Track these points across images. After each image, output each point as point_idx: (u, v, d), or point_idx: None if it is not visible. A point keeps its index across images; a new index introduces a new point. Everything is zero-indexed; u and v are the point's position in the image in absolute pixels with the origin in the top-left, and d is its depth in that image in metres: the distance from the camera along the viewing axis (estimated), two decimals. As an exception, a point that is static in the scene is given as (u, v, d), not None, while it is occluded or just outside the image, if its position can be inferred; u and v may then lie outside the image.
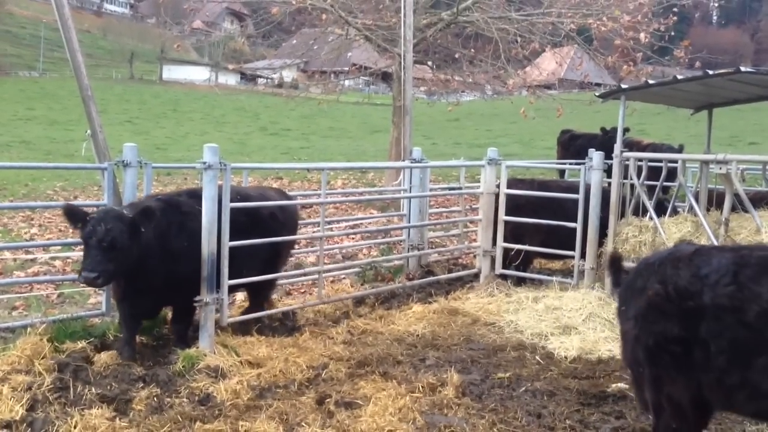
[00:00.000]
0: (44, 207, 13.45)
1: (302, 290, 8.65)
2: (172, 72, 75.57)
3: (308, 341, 6.64)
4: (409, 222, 9.46)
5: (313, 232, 8.64)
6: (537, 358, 6.52)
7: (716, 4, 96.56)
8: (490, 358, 6.49)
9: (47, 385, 5.11)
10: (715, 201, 8.51)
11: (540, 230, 8.72)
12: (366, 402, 5.21)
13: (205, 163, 6.27)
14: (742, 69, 7.29)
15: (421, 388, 5.54)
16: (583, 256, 8.45)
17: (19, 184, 17.48)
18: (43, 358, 5.48)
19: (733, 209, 7.79)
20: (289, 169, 16.70)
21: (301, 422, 4.88)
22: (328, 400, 5.26)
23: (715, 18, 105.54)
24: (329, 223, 9.07)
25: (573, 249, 8.47)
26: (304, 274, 8.45)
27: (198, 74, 75.15)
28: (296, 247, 9.70)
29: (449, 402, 5.33)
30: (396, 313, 7.80)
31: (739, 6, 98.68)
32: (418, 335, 7.04)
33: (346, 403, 5.24)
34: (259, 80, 72.28)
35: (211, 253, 6.14)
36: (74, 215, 5.76)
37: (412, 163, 9.57)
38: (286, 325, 7.29)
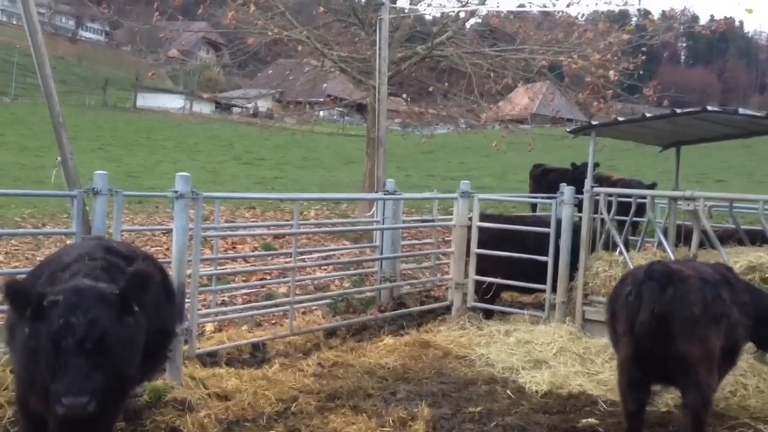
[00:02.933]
0: (10, 235, 13.20)
1: (273, 321, 8.56)
2: (146, 100, 75.26)
3: (278, 373, 6.55)
4: (382, 254, 9.45)
5: (285, 262, 8.58)
6: (508, 392, 6.49)
7: (684, 45, 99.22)
8: (461, 392, 6.45)
9: (8, 417, 4.97)
10: (683, 237, 8.64)
11: (504, 264, 8.75)
12: (336, 436, 5.15)
13: (176, 191, 6.22)
14: (709, 108, 7.46)
15: (391, 422, 5.49)
16: (554, 289, 8.49)
17: (-15, 210, 17.18)
18: (5, 389, 5.33)
19: (701, 245, 7.91)
20: (261, 198, 16.61)
21: (269, 457, 4.79)
22: (297, 434, 5.19)
23: (683, 58, 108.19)
24: (301, 253, 9.02)
25: (541, 283, 8.52)
26: (275, 305, 8.37)
27: (172, 102, 74.91)
28: (268, 277, 9.68)
29: (420, 437, 5.28)
30: (367, 345, 7.75)
31: (707, 47, 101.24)
32: (389, 368, 6.98)
33: (315, 437, 5.17)
34: (234, 109, 72.32)
35: (181, 284, 6.06)
36: (20, 296, 3.66)
37: (385, 194, 9.59)
38: (256, 357, 7.20)
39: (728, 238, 8.63)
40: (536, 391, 6.50)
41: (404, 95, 19.86)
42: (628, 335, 5.07)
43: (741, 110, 7.51)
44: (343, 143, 44.40)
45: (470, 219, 9.08)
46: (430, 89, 18.26)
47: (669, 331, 4.90)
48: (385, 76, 11.24)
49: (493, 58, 15.99)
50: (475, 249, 8.98)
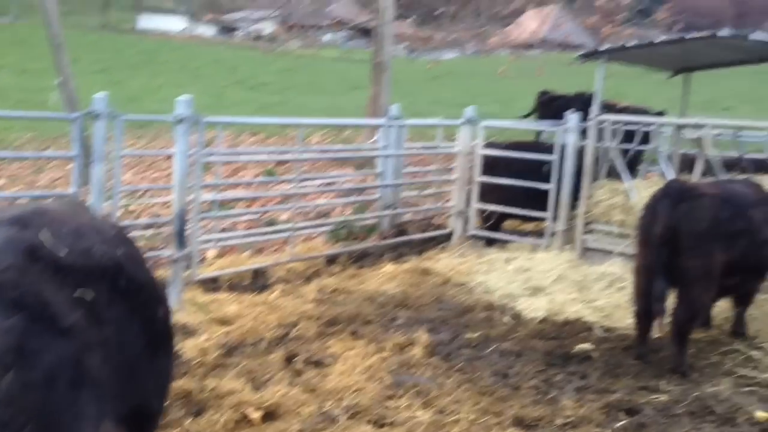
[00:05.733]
0: (11, 158, 13.19)
1: (274, 248, 8.61)
2: (148, 21, 73.84)
3: (279, 299, 6.63)
4: (384, 181, 9.42)
5: (287, 189, 8.56)
6: (506, 318, 6.58)
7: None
8: (459, 319, 6.54)
9: None
10: (689, 165, 8.56)
11: (506, 191, 8.73)
12: (334, 361, 5.24)
13: (177, 116, 6.16)
14: (720, 33, 7.26)
15: (390, 347, 5.58)
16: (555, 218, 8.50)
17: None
18: None
19: (705, 174, 7.85)
20: (264, 123, 16.44)
21: (268, 380, 4.89)
22: (296, 358, 5.28)
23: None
24: (303, 180, 8.98)
25: (544, 210, 8.51)
26: (277, 232, 8.40)
27: (175, 24, 73.55)
28: (270, 204, 9.69)
29: (417, 362, 5.38)
30: (368, 272, 7.81)
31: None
32: (389, 295, 7.05)
33: (314, 361, 5.26)
34: (238, 32, 70.98)
35: (181, 209, 6.07)
36: None
37: (388, 120, 9.48)
38: (257, 283, 7.27)
39: (732, 166, 8.55)
40: (533, 318, 6.58)
41: (411, 18, 19.42)
42: (642, 246, 5.52)
43: (752, 35, 7.31)
44: (347, 68, 43.70)
45: (475, 146, 9.01)
46: (438, 12, 17.85)
47: (677, 244, 5.28)
48: (390, -2, 10.95)
49: (502, -20, 15.57)
50: (477, 177, 8.94)
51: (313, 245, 8.52)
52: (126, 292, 2.07)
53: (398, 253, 8.64)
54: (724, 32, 7.32)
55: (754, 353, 5.78)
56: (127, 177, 11.40)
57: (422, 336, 5.75)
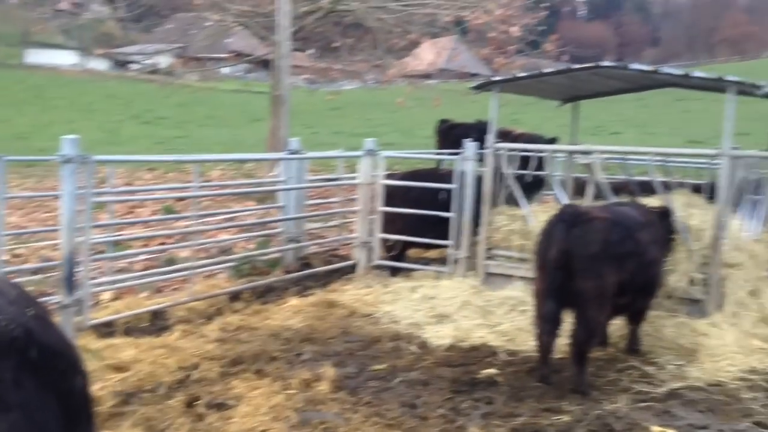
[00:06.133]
0: None
1: (175, 287, 8.33)
2: (36, 56, 70.96)
3: (179, 341, 6.39)
4: (287, 214, 9.33)
5: (187, 225, 8.33)
6: (412, 347, 6.58)
7: (582, 0, 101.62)
8: (366, 350, 6.49)
9: None
10: (581, 189, 8.89)
11: (409, 221, 8.82)
12: (238, 402, 5.08)
13: (63, 155, 5.90)
14: (602, 64, 7.63)
15: (296, 384, 5.46)
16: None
17: None
18: None
19: (597, 197, 8.17)
20: (157, 161, 15.96)
21: (168, 427, 4.68)
22: (197, 402, 5.08)
23: (582, 13, 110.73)
24: (204, 216, 8.77)
25: (446, 237, 8.63)
26: (177, 270, 8.13)
27: (65, 59, 70.96)
28: (169, 242, 9.40)
29: (324, 397, 5.29)
30: (272, 307, 7.66)
31: (605, 1, 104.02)
32: (294, 330, 6.93)
33: (217, 404, 5.08)
34: (132, 66, 69.18)
35: (70, 252, 5.78)
36: None
37: (289, 154, 9.42)
38: (156, 325, 6.99)
39: (621, 189, 8.94)
40: (440, 346, 6.61)
41: (310, 51, 19.49)
42: (540, 270, 5.69)
43: (632, 65, 7.71)
44: (248, 100, 43.35)
45: (376, 177, 9.06)
46: (336, 45, 17.99)
47: (572, 267, 5.44)
48: (287, 31, 10.94)
49: (399, 13, 15.86)
50: (380, 207, 8.98)
51: (215, 282, 8.29)
52: (37, 365, 1.73)
53: (303, 286, 8.54)
54: (607, 63, 7.70)
55: (649, 369, 6.01)
56: (14, 219, 10.82)
57: (329, 370, 5.67)
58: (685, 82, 8.36)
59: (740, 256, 7.38)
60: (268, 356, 6.13)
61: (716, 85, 7.50)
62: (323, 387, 5.42)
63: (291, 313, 7.44)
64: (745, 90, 7.19)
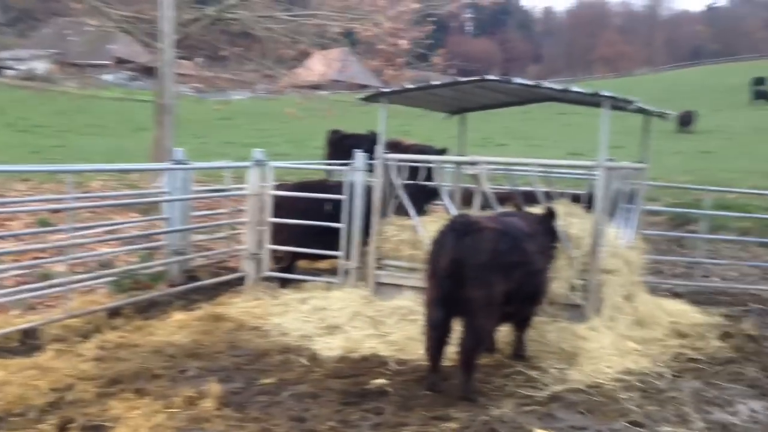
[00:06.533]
0: None
1: (49, 303, 7.85)
2: None
3: (52, 361, 6.00)
4: (171, 226, 9.01)
5: (63, 239, 7.86)
6: (302, 360, 6.48)
7: (469, 16, 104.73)
8: (254, 364, 6.35)
9: None
10: (469, 199, 9.06)
11: (299, 232, 8.73)
12: (116, 424, 4.83)
13: None
14: (487, 77, 7.83)
15: (178, 402, 5.25)
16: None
17: None
18: None
19: (484, 207, 8.36)
20: (33, 171, 15.01)
21: (38, 453, 4.37)
22: (71, 425, 4.79)
23: (469, 29, 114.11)
24: (82, 228, 8.32)
25: (329, 249, 8.59)
26: (51, 286, 7.67)
27: (-69, 62, 66.10)
28: (44, 256, 8.85)
29: (209, 415, 5.11)
30: (155, 322, 7.35)
31: (490, 18, 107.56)
32: (178, 345, 6.68)
33: (92, 426, 4.81)
34: (7, 72, 65.30)
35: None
36: None
37: (173, 164, 9.11)
38: (27, 345, 6.55)
39: (507, 199, 9.19)
40: (330, 357, 6.55)
41: (196, 59, 19.02)
42: (431, 279, 5.71)
43: (515, 79, 7.96)
44: (132, 109, 41.83)
45: (265, 188, 8.91)
46: (223, 53, 17.63)
47: (462, 276, 5.50)
48: (171, 38, 10.61)
49: (288, 23, 15.73)
50: (269, 218, 8.83)
51: (93, 298, 7.85)
52: None
53: (189, 300, 8.26)
54: (491, 77, 7.91)
55: (533, 373, 6.19)
56: None
57: (214, 386, 5.49)
58: (564, 97, 8.70)
59: (616, 263, 7.73)
60: (150, 374, 5.87)
61: (592, 100, 7.84)
62: (208, 404, 5.24)
63: (175, 328, 7.17)
64: (619, 105, 7.56)
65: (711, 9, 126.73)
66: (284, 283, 8.84)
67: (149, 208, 11.28)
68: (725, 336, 7.66)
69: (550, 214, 7.00)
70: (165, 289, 8.37)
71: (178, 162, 9.07)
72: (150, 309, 7.88)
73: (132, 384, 5.59)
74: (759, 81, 49.83)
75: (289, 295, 8.36)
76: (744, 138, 30.69)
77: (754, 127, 34.46)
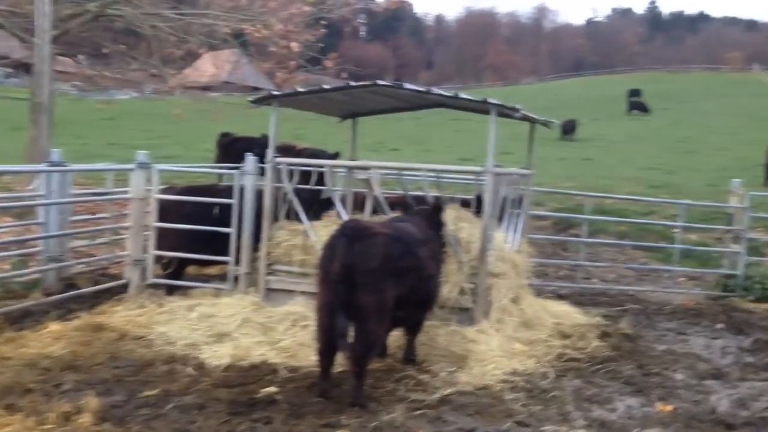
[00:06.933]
0: None
1: None
2: None
3: None
4: (48, 231, 8.52)
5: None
6: (188, 370, 6.26)
7: (363, 21, 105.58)
8: (137, 376, 6.07)
9: None
10: (361, 204, 9.06)
11: (187, 237, 8.47)
12: (-19, 444, 4.48)
13: None
14: (379, 83, 7.86)
15: (53, 418, 4.94)
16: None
17: None
18: None
19: (375, 211, 8.38)
20: None
21: None
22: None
23: (363, 33, 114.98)
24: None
25: (217, 254, 8.38)
26: None
27: None
28: None
29: (86, 431, 4.83)
30: (29, 334, 6.89)
31: (383, 24, 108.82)
32: (54, 357, 6.28)
33: (-45, 449, 4.45)
34: None
35: None
36: None
37: (50, 165, 8.62)
38: None
39: (399, 203, 9.25)
40: (217, 366, 6.36)
41: (78, 56, 18.13)
42: (322, 284, 5.66)
43: (406, 85, 8.03)
44: (7, 107, 39.52)
45: (149, 191, 8.57)
46: (106, 51, 16.89)
47: (353, 282, 5.47)
48: (48, 34, 10.05)
49: (175, 22, 15.26)
50: (154, 222, 8.50)
51: (-43, 310, 7.30)
52: None
53: (66, 309, 7.80)
54: (383, 82, 7.94)
55: (424, 377, 6.24)
56: None
57: (92, 400, 5.20)
58: (453, 103, 8.88)
59: (504, 266, 7.95)
60: (22, 388, 5.50)
61: (481, 107, 8.02)
62: (85, 419, 4.96)
63: (51, 339, 6.76)
64: (505, 112, 7.77)
65: (591, 23, 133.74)
66: (171, 290, 8.53)
67: (24, 213, 10.63)
68: (604, 335, 8.02)
69: (437, 208, 7.10)
70: (40, 298, 7.90)
71: (55, 163, 8.60)
72: (23, 319, 7.38)
73: (2, 400, 5.22)
74: (634, 92, 52.88)
75: (175, 302, 8.05)
76: (621, 146, 32.41)
77: (630, 135, 36.47)
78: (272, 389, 5.77)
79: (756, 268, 10.76)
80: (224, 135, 16.24)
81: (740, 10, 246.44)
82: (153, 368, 6.25)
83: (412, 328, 6.63)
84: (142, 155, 8.65)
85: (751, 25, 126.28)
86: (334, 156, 11.06)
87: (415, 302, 6.17)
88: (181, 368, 6.28)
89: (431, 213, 7.08)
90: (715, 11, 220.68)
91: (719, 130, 38.07)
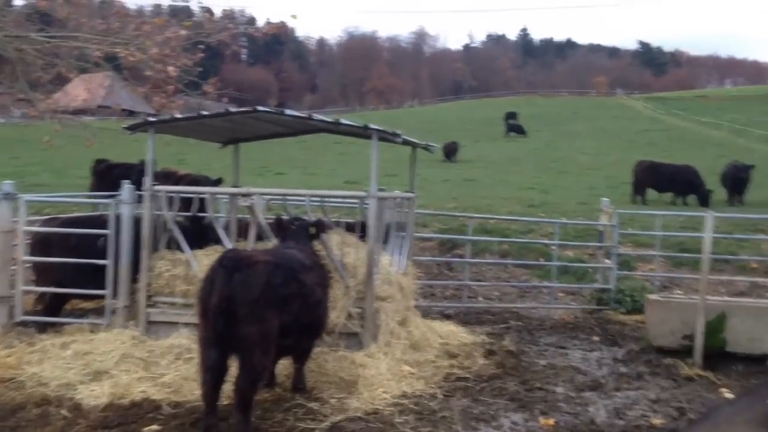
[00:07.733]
0: None
1: None
2: None
3: None
4: None
5: None
6: (63, 412, 5.93)
7: (244, 45, 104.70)
8: (7, 421, 5.71)
9: None
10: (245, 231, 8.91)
11: (59, 270, 8.05)
12: None
13: None
14: (259, 108, 7.79)
15: None
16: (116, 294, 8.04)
17: None
18: None
19: (260, 238, 8.26)
20: None
21: None
22: None
23: (245, 57, 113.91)
24: None
25: (98, 288, 8.02)
26: None
27: None
28: None
29: (-54, 487, 4.46)
30: None
31: (265, 48, 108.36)
32: None
33: None
34: None
35: None
36: None
37: None
38: None
39: (285, 229, 9.15)
40: (95, 406, 6.05)
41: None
42: (202, 317, 5.50)
43: (287, 111, 8.01)
44: None
45: (17, 223, 8.08)
46: (-33, 74, 15.83)
47: (234, 313, 5.35)
48: None
49: (42, 45, 14.52)
50: (22, 257, 8.02)
51: None
52: None
53: (-77, 354, 7.21)
54: (263, 108, 7.88)
55: (313, 405, 6.17)
56: None
57: (-48, 454, 4.82)
58: (335, 129, 8.93)
59: (390, 289, 8.02)
60: None
61: (362, 133, 8.10)
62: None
63: None
64: (386, 138, 7.89)
65: (468, 48, 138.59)
66: (43, 328, 8.05)
67: None
68: (489, 353, 8.24)
69: (319, 225, 7.14)
70: None
71: None
72: None
73: None
74: (511, 115, 55.13)
75: (48, 340, 7.59)
76: (500, 167, 33.61)
77: (508, 157, 37.91)
78: (155, 427, 5.57)
79: (626, 282, 11.37)
80: (99, 161, 15.60)
81: (603, 37, 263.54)
82: (24, 412, 5.90)
83: (300, 356, 6.55)
84: (7, 185, 8.16)
85: (614, 52, 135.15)
86: (217, 182, 10.87)
87: (301, 329, 6.10)
88: (55, 411, 5.94)
89: (305, 231, 7.08)
90: (581, 38, 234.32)
91: (588, 150, 40.26)
